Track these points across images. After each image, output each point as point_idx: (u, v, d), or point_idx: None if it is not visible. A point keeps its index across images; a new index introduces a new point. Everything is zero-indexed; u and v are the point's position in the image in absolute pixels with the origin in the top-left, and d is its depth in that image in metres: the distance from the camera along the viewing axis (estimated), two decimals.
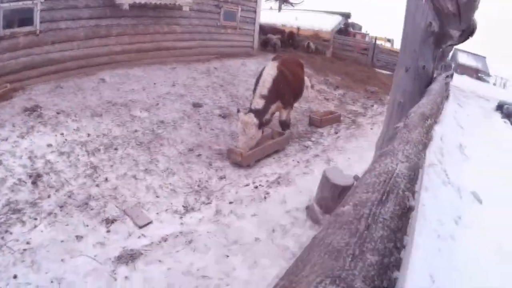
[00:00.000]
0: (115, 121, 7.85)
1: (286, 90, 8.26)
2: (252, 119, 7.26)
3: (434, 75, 3.42)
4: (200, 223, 5.35)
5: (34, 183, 5.52)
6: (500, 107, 14.64)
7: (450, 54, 36.95)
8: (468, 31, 3.15)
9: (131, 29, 12.22)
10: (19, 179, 5.55)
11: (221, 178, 6.85)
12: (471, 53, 57.32)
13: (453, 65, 21.05)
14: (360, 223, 0.97)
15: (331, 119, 10.49)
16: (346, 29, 28.05)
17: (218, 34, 15.74)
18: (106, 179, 6.00)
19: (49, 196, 5.37)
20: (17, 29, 9.45)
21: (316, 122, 10.09)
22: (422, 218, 3.54)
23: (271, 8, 20.91)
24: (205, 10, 14.93)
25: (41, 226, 4.79)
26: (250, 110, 7.52)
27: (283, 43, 21.32)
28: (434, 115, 2.31)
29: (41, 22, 9.79)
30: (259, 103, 7.60)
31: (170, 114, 8.77)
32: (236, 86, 11.77)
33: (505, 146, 8.69)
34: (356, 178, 4.69)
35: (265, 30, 21.45)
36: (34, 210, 5.05)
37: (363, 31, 30.96)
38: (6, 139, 6.35)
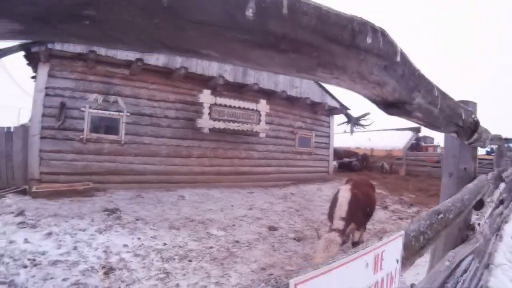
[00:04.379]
0: (192, 236, 8.08)
1: (359, 212, 8.27)
2: (336, 238, 7.18)
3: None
4: None
5: (106, 273, 5.67)
6: None
7: None
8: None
9: (211, 152, 13.20)
10: (92, 267, 5.76)
11: None
12: None
13: None
14: None
15: None
16: (418, 144, 28.14)
17: (294, 160, 16.52)
18: (177, 285, 5.98)
19: None
20: (103, 135, 10.88)
21: None
22: None
23: (345, 132, 21.67)
24: (280, 136, 15.94)
25: None
26: (333, 230, 7.50)
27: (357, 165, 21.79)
28: (452, 211, 2.27)
29: (125, 134, 11.18)
30: (340, 224, 7.58)
31: (245, 235, 8.92)
32: (311, 210, 11.84)
33: None
34: (412, 286, 4.50)
35: (339, 153, 22.11)
36: None
37: (434, 143, 30.91)
38: (84, 230, 6.85)
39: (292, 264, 8.06)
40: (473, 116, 2.42)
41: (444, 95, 1.66)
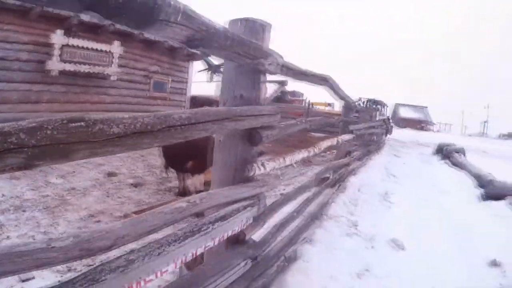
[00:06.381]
0: (30, 185, 8.66)
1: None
2: None
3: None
4: None
5: None
6: (440, 150, 16.24)
7: (387, 109, 39.29)
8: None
9: (61, 96, 12.97)
10: None
11: None
12: (412, 106, 61.73)
13: (378, 116, 22.58)
14: None
15: None
16: (282, 97, 30.26)
17: (148, 105, 16.55)
18: (8, 237, 6.62)
19: None
20: None
21: None
22: (305, 278, 3.39)
23: (208, 81, 22.44)
24: (134, 80, 15.84)
25: None
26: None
27: None
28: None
29: None
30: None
31: (83, 182, 9.56)
32: (156, 156, 12.15)
33: (439, 188, 9.27)
34: None
35: (200, 101, 23.06)
36: None
37: (304, 98, 33.53)
38: None
39: (123, 210, 8.61)
40: None
41: None
